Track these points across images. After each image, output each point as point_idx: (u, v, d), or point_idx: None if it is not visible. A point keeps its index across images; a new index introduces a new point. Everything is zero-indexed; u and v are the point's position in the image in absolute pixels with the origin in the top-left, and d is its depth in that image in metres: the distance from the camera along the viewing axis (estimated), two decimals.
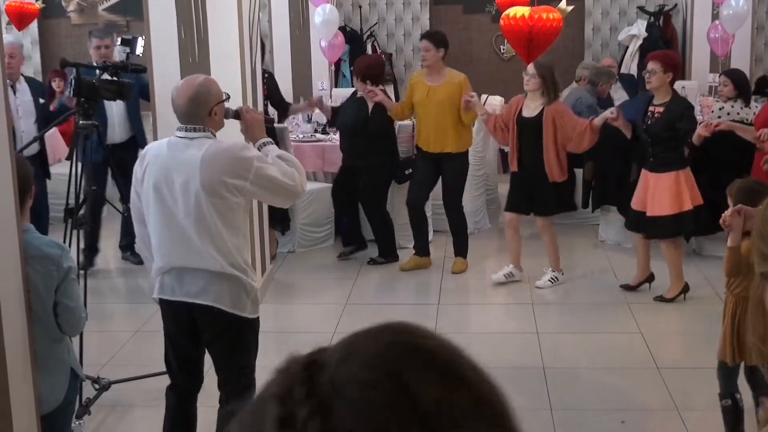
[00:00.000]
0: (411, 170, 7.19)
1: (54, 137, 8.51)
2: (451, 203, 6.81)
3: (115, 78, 5.03)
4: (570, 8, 6.14)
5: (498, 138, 6.55)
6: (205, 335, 3.50)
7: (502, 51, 10.67)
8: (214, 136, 3.41)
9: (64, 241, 4.30)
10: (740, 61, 9.13)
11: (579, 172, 7.36)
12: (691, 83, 9.06)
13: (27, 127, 6.47)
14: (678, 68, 5.95)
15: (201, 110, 3.34)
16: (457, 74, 6.66)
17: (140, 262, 6.26)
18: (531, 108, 6.17)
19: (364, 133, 6.78)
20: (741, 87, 6.99)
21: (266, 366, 3.95)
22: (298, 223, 7.34)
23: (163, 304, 3.51)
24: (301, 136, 7.86)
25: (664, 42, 9.81)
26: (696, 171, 5.96)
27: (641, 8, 10.30)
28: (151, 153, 3.45)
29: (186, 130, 3.36)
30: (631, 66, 9.89)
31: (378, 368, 0.72)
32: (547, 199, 6.27)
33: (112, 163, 5.08)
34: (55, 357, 3.15)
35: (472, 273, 6.84)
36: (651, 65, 5.73)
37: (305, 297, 6.39)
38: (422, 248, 6.96)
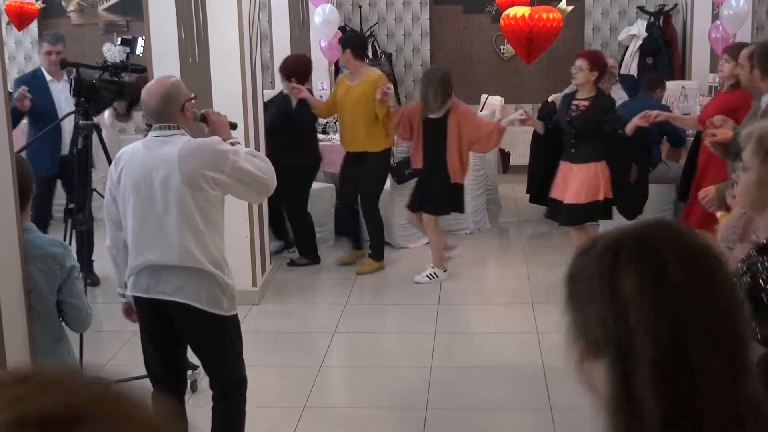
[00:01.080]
0: (411, 170, 7.20)
1: None
2: (363, 202, 6.84)
3: (115, 78, 5.03)
4: (570, 8, 6.13)
5: (399, 134, 6.63)
6: (182, 334, 3.52)
7: (502, 51, 10.66)
8: (189, 134, 3.45)
9: (65, 240, 4.30)
10: None
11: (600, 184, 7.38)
12: (691, 83, 9.06)
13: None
14: (604, 68, 6.21)
15: (173, 107, 3.39)
16: (373, 73, 6.79)
17: (94, 284, 6.25)
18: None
19: (287, 129, 6.75)
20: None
21: (266, 366, 3.96)
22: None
23: (138, 302, 3.52)
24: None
25: (664, 42, 9.80)
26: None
27: (641, 8, 10.29)
28: (126, 155, 3.47)
29: (161, 129, 3.40)
30: (631, 66, 9.88)
31: None
32: (440, 199, 6.45)
33: (64, 175, 5.04)
34: (56, 356, 3.16)
35: (473, 273, 6.84)
36: (578, 62, 6.02)
37: (305, 297, 6.39)
38: (356, 242, 7.11)
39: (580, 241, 6.15)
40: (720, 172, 4.85)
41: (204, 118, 3.63)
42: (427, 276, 6.56)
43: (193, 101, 3.52)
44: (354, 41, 6.85)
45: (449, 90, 6.34)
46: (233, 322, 3.54)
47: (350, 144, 6.78)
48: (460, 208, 6.67)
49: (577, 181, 6.09)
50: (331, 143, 7.62)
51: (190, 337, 3.53)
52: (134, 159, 3.42)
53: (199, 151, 3.36)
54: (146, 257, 3.39)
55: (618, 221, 7.16)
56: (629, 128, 5.94)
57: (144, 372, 3.78)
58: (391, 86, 6.53)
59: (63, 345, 3.21)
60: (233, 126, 4.06)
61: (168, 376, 3.63)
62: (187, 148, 3.35)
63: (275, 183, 3.56)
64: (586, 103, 6.05)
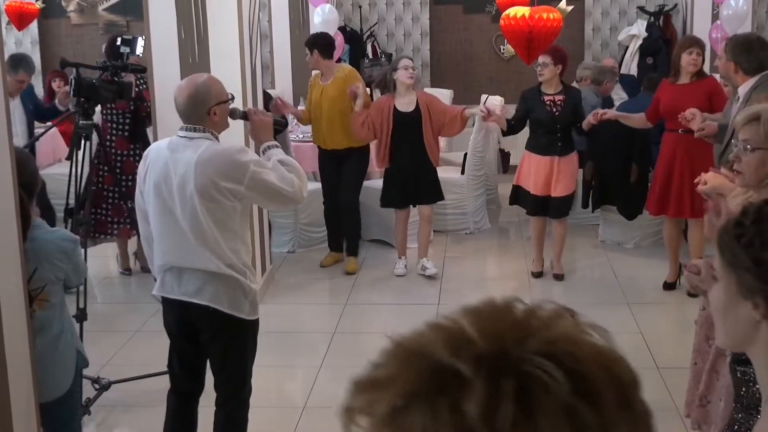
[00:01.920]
0: None
1: (54, 137, 8.51)
2: (345, 199, 6.84)
3: (115, 78, 5.03)
4: (570, 8, 6.14)
5: (362, 135, 6.55)
6: (202, 336, 3.49)
7: (502, 51, 10.66)
8: (215, 137, 3.37)
9: None
10: None
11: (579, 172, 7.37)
12: None
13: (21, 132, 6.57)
14: (566, 61, 6.37)
15: (199, 109, 3.31)
16: (344, 68, 6.83)
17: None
18: (405, 102, 6.42)
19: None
20: None
21: (266, 366, 3.95)
22: (298, 223, 7.34)
23: (164, 302, 3.51)
24: (301, 136, 7.85)
25: (664, 42, 9.80)
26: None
27: (641, 8, 10.29)
28: (153, 153, 3.42)
29: (186, 130, 3.33)
30: (631, 66, 9.88)
31: None
32: (434, 186, 6.53)
33: None
34: (62, 340, 3.19)
35: (473, 273, 6.84)
36: (542, 59, 6.19)
37: (305, 297, 6.39)
38: (335, 244, 7.05)
39: (565, 232, 6.49)
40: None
41: (245, 116, 3.56)
42: (435, 266, 6.64)
43: (229, 103, 3.42)
44: (319, 42, 6.77)
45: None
46: (253, 327, 3.49)
47: (331, 142, 6.74)
48: (442, 194, 6.82)
49: (565, 173, 6.30)
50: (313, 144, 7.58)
51: (210, 338, 3.49)
52: (158, 158, 3.36)
53: (215, 161, 3.26)
54: (168, 258, 3.38)
55: (618, 220, 7.18)
56: (585, 125, 6.20)
57: (147, 371, 3.79)
58: (359, 85, 6.48)
59: (68, 329, 3.24)
60: (284, 125, 3.99)
61: (185, 377, 3.60)
62: (203, 156, 3.25)
63: (303, 194, 3.44)
64: (561, 97, 6.25)
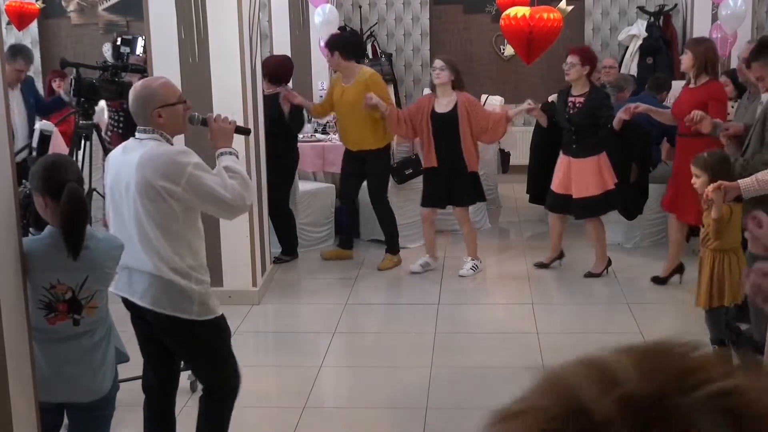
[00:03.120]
0: (411, 170, 7.21)
1: (54, 137, 8.50)
2: (375, 199, 6.88)
3: (115, 78, 5.04)
4: (570, 8, 6.14)
5: (401, 132, 6.64)
6: (158, 336, 3.53)
7: (502, 51, 10.66)
8: (166, 139, 3.37)
9: None
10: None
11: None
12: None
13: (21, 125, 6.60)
14: (594, 62, 6.42)
15: (144, 111, 3.34)
16: (365, 72, 6.79)
17: None
18: (443, 103, 6.41)
19: (279, 132, 6.72)
20: (741, 87, 6.99)
21: (266, 366, 3.96)
22: (298, 223, 7.34)
23: (123, 300, 3.53)
24: (301, 136, 7.86)
25: (664, 42, 9.80)
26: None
27: (641, 8, 10.29)
28: (112, 156, 3.51)
29: (139, 131, 3.39)
30: (631, 66, 9.88)
31: None
32: (466, 190, 6.54)
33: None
34: (106, 342, 3.22)
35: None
36: (570, 59, 6.23)
37: (305, 297, 6.39)
38: (346, 242, 7.16)
39: (597, 232, 6.52)
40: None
41: (205, 122, 3.57)
42: (470, 269, 6.69)
43: (180, 107, 3.41)
44: (341, 42, 6.78)
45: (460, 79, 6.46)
46: (208, 326, 3.45)
47: (353, 144, 6.79)
48: (482, 196, 6.86)
49: (583, 175, 6.27)
50: (332, 143, 7.62)
51: (169, 340, 3.52)
52: (114, 161, 3.45)
53: (155, 160, 3.28)
54: (123, 259, 3.36)
55: (618, 220, 7.18)
56: (616, 123, 6.16)
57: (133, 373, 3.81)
58: (372, 96, 6.46)
59: (109, 336, 3.26)
60: (246, 132, 4.01)
61: (154, 372, 3.64)
62: (145, 157, 3.28)
63: (246, 203, 3.41)
64: (581, 99, 6.25)
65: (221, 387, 3.57)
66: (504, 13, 5.91)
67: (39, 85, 11.04)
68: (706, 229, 4.57)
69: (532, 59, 6.01)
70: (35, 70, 11.23)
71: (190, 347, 3.53)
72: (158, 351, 3.58)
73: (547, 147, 7.13)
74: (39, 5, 9.83)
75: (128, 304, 3.51)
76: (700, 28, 9.35)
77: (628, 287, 6.31)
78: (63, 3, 11.08)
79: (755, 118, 4.87)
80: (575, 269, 6.76)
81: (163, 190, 3.25)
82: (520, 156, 8.95)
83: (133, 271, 3.39)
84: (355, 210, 7.32)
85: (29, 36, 11.02)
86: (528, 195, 7.90)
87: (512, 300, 6.24)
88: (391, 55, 10.82)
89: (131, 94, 3.42)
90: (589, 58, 6.27)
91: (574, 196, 6.34)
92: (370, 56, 10.56)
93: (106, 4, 11.06)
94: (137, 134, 3.41)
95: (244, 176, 3.44)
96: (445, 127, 6.38)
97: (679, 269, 6.27)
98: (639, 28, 10.10)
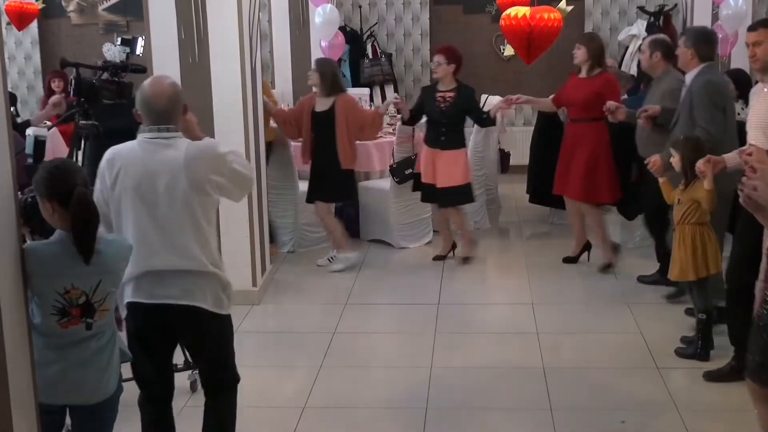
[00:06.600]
0: (411, 170, 7.20)
1: (54, 137, 8.50)
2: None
3: (115, 78, 5.03)
4: (570, 8, 6.12)
5: (287, 132, 6.97)
6: (183, 337, 3.51)
7: (502, 51, 10.65)
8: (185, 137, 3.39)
9: None
10: (740, 61, 9.12)
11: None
12: None
13: None
14: (460, 60, 6.71)
15: (177, 107, 3.35)
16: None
17: None
18: (322, 103, 6.73)
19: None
20: (742, 87, 6.98)
21: (266, 366, 3.96)
22: (298, 223, 7.34)
23: (135, 307, 3.41)
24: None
25: None
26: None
27: (641, 8, 10.29)
28: (123, 157, 3.34)
29: (159, 131, 3.31)
30: (631, 66, 9.88)
31: None
32: (335, 187, 6.81)
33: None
34: (112, 343, 3.19)
35: (473, 273, 6.84)
36: (436, 58, 6.68)
37: (305, 297, 6.38)
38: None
39: (459, 219, 6.94)
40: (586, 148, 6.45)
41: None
42: (327, 259, 6.93)
43: None
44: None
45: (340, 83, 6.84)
46: (230, 321, 3.54)
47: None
48: (348, 196, 7.09)
49: (449, 166, 6.68)
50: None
51: (194, 339, 3.50)
52: (132, 162, 3.31)
53: (205, 155, 3.31)
54: (150, 263, 3.31)
55: (618, 220, 7.18)
56: (493, 112, 6.78)
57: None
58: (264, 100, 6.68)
59: (114, 337, 3.23)
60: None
61: (159, 381, 3.57)
62: (192, 153, 3.29)
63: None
64: (451, 94, 6.67)
65: (235, 383, 3.60)
66: (504, 13, 5.90)
67: (39, 86, 11.08)
68: (684, 206, 4.92)
69: (532, 59, 6.00)
70: (35, 70, 11.25)
71: (222, 344, 3.53)
72: (164, 356, 3.54)
73: (547, 146, 7.13)
74: (39, 5, 9.83)
75: (142, 310, 3.39)
76: None
77: (628, 287, 6.31)
78: (63, 3, 11.09)
79: (663, 97, 5.84)
80: (575, 269, 6.77)
81: (215, 183, 3.31)
82: (520, 156, 8.96)
83: (167, 273, 3.31)
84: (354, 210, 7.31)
85: (29, 36, 11.02)
86: (528, 195, 7.88)
87: (512, 300, 6.24)
88: (391, 55, 10.82)
89: (160, 93, 3.31)
90: (454, 57, 6.64)
91: (438, 186, 6.72)
92: (370, 56, 10.56)
93: (106, 4, 11.06)
94: (154, 134, 3.30)
95: (241, 153, 3.53)
96: (323, 124, 6.68)
97: (587, 247, 6.83)
98: (639, 28, 10.10)
